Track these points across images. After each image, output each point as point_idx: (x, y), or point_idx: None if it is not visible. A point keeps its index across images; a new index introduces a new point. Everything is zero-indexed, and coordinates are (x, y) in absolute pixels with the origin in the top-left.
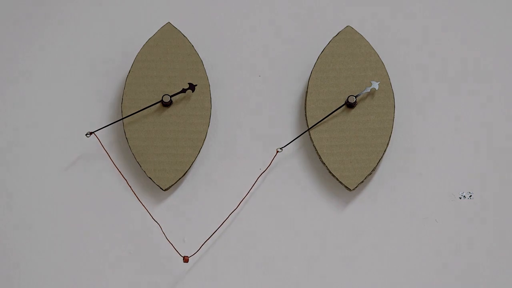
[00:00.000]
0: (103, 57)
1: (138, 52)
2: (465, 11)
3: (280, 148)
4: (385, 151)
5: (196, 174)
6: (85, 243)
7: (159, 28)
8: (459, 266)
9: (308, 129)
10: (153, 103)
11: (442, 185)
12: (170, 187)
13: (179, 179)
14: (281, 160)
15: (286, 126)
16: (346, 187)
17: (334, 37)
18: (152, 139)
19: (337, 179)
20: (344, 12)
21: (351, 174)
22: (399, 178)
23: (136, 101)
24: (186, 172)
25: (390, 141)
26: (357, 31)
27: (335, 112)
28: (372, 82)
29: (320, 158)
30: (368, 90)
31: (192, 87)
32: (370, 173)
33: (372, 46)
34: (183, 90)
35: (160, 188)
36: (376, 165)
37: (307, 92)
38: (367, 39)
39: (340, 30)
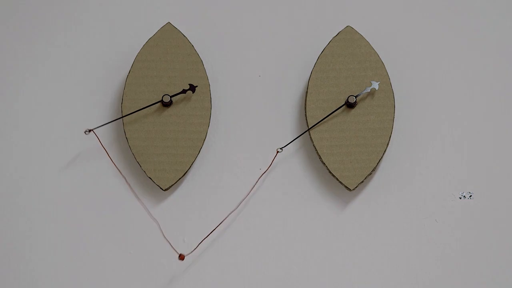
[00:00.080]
0: (103, 57)
1: (138, 52)
2: (465, 11)
3: (280, 148)
4: (385, 151)
5: (196, 174)
6: (85, 242)
7: (159, 28)
8: (459, 266)
9: (308, 129)
10: (153, 103)
11: (442, 185)
12: (170, 187)
13: (179, 179)
14: (281, 160)
15: (286, 126)
16: (346, 187)
17: (334, 37)
18: (152, 139)
19: (337, 179)
20: (344, 12)
21: (351, 174)
22: (399, 178)
23: (136, 101)
24: (186, 172)
25: (390, 141)
26: (357, 31)
27: (335, 112)
28: (372, 82)
29: (320, 158)
30: (368, 90)
31: (192, 88)
32: (370, 173)
33: (372, 46)
34: (184, 91)
35: (160, 188)
36: (376, 165)
37: (307, 92)
38: (367, 39)
39: (340, 30)
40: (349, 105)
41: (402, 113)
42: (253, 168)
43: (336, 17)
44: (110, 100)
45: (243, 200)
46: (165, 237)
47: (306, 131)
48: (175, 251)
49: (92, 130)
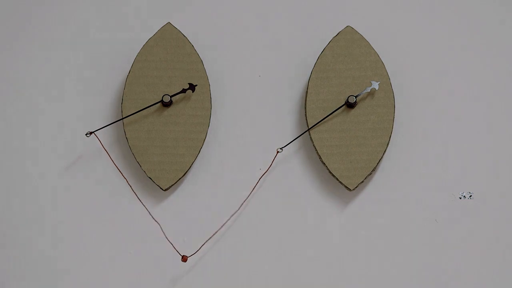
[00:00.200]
0: (103, 57)
1: (138, 52)
2: (465, 11)
3: (281, 148)
4: (385, 151)
5: (196, 174)
6: (85, 242)
7: (159, 28)
8: (459, 266)
9: (308, 129)
10: (153, 103)
11: (442, 185)
12: (170, 187)
13: (179, 179)
14: (281, 160)
15: (286, 126)
16: (346, 187)
17: (334, 37)
18: (152, 139)
19: (337, 179)
20: (344, 12)
21: (351, 174)
22: (399, 178)
23: (136, 101)
24: (186, 172)
25: (390, 141)
26: (357, 31)
27: (335, 112)
28: (372, 82)
29: (320, 158)
30: (368, 90)
31: (192, 87)
32: (370, 173)
33: (372, 46)
34: (183, 90)
35: (160, 188)
36: (376, 165)
37: (307, 92)
38: (367, 39)
39: (340, 30)
40: (349, 105)
41: (402, 113)
42: (253, 168)
43: (336, 17)
44: (110, 100)
45: (245, 201)
46: (167, 238)
47: (306, 131)
48: (178, 252)
49: (93, 132)
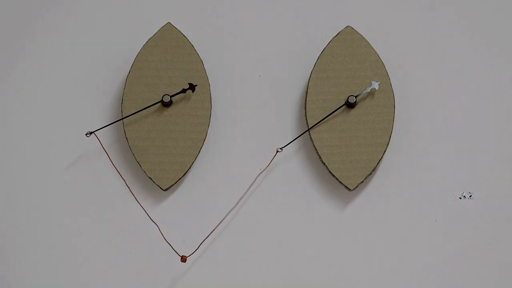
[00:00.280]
0: (103, 57)
1: (138, 52)
2: (465, 11)
3: (280, 148)
4: (385, 151)
5: (196, 174)
6: (85, 243)
7: (159, 28)
8: (459, 266)
9: (308, 129)
10: (153, 103)
11: (442, 185)
12: (170, 187)
13: (179, 179)
14: (281, 160)
15: (286, 126)
16: (346, 187)
17: (334, 37)
18: (152, 139)
19: (337, 179)
20: (344, 12)
21: (351, 174)
22: (399, 178)
23: (136, 101)
24: (186, 172)
25: (390, 141)
26: (357, 31)
27: (335, 112)
28: (372, 82)
29: (320, 158)
30: (368, 90)
31: (192, 87)
32: (370, 173)
33: (372, 46)
34: (183, 90)
35: (160, 188)
36: (376, 165)
37: (307, 92)
38: (367, 39)
39: (340, 30)
40: (349, 105)
41: (402, 113)
42: (253, 168)
43: (336, 17)
44: (110, 100)
45: (241, 198)
46: (165, 239)
47: (306, 131)
48: (176, 253)
49: (93, 132)
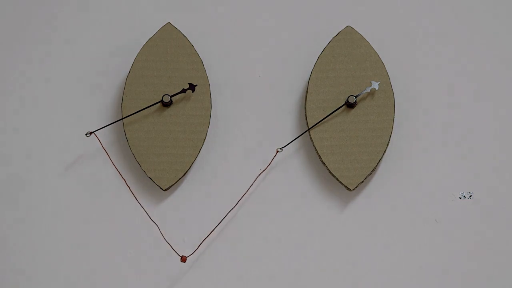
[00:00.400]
0: (103, 57)
1: (138, 52)
2: (465, 11)
3: (280, 148)
4: (385, 151)
5: (196, 174)
6: (85, 243)
7: (159, 28)
8: (459, 266)
9: (308, 129)
10: (153, 103)
11: (442, 185)
12: (170, 187)
13: (179, 179)
14: (281, 160)
15: (286, 126)
16: (346, 187)
17: (334, 37)
18: (152, 139)
19: (337, 179)
20: (344, 12)
21: (351, 174)
22: (399, 178)
23: (136, 101)
24: (186, 172)
25: (390, 141)
26: (357, 31)
27: (335, 112)
28: (372, 82)
29: (320, 158)
30: (368, 90)
31: (192, 87)
32: (370, 173)
33: (372, 46)
34: (183, 90)
35: (160, 188)
36: (376, 165)
37: (307, 92)
38: (367, 39)
39: (340, 30)
40: (349, 105)
41: (402, 113)
42: (253, 168)
43: (336, 17)
44: (110, 100)
45: (241, 199)
46: (165, 239)
47: (306, 131)
48: (176, 253)
49: (93, 132)
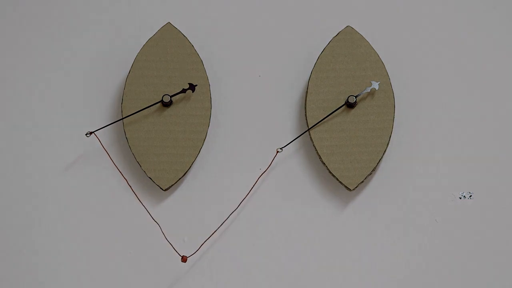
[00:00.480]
0: (103, 57)
1: (138, 52)
2: (465, 11)
3: (280, 148)
4: (385, 151)
5: (196, 174)
6: (85, 243)
7: (159, 28)
8: (459, 266)
9: (308, 129)
10: (153, 103)
11: (442, 185)
12: (170, 187)
13: (179, 179)
14: (281, 160)
15: (286, 126)
16: (346, 187)
17: (334, 37)
18: (152, 139)
19: (337, 179)
20: (344, 12)
21: (351, 174)
22: (399, 178)
23: (136, 101)
24: (186, 172)
25: (390, 141)
26: (357, 31)
27: (335, 112)
28: (372, 82)
29: (320, 158)
30: (368, 90)
31: (192, 87)
32: (370, 173)
33: (372, 46)
34: (183, 90)
35: (160, 188)
36: (376, 165)
37: (307, 92)
38: (367, 39)
39: (340, 30)
40: (349, 105)
41: (402, 113)
42: (253, 168)
43: (336, 17)
44: (110, 100)
45: (243, 200)
46: (166, 239)
47: (306, 131)
48: (177, 253)
49: (93, 132)
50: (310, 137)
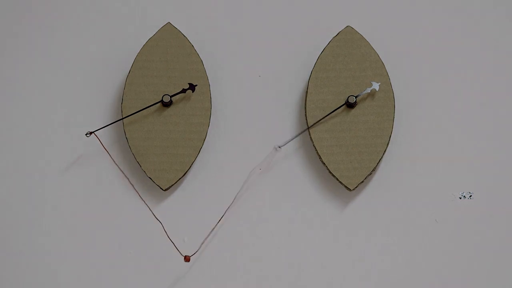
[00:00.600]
0: (103, 57)
1: (138, 52)
2: (465, 11)
3: (279, 146)
4: (385, 151)
5: (196, 174)
6: (85, 243)
7: (159, 28)
8: (459, 266)
9: (308, 128)
10: (153, 103)
11: (442, 185)
12: (170, 187)
13: (179, 179)
14: (281, 160)
15: (286, 126)
16: (346, 187)
17: (334, 37)
18: (152, 139)
19: (337, 179)
20: (344, 12)
21: (351, 174)
22: (399, 178)
23: (136, 101)
24: (186, 172)
25: (390, 141)
26: (357, 31)
27: (335, 112)
28: (373, 82)
29: (320, 158)
30: (369, 90)
31: (192, 87)
32: (370, 173)
33: (372, 46)
34: (183, 90)
35: (160, 188)
36: (376, 165)
37: (307, 92)
38: (367, 39)
39: (340, 30)
40: (349, 105)
41: (402, 113)
42: (254, 168)
43: (336, 17)
44: (110, 100)
45: (240, 197)
46: (169, 238)
47: (306, 130)
48: (180, 252)
49: (93, 132)
50: (310, 137)
